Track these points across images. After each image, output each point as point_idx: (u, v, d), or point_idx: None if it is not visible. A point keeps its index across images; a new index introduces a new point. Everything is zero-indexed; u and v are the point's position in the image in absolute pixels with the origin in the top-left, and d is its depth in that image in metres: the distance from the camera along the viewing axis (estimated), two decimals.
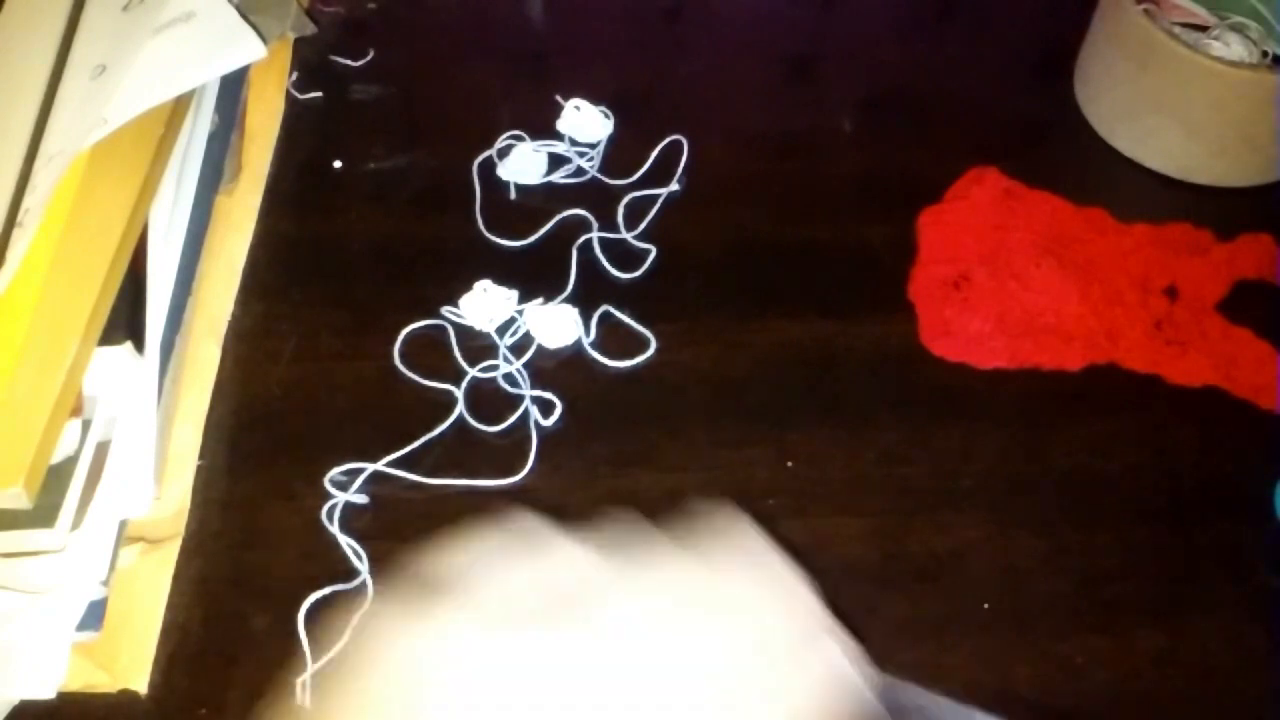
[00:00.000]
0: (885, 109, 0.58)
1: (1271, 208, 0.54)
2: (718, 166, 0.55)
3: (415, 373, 0.47)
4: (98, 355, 0.42)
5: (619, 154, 0.55)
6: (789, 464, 0.45)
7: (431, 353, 0.48)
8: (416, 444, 0.45)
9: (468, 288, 0.49)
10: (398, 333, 0.48)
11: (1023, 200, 0.53)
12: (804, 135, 0.57)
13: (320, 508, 0.43)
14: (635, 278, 0.51)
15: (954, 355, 0.49)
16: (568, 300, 0.50)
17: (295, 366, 0.48)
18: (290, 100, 0.57)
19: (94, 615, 0.40)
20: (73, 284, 0.42)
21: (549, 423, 0.46)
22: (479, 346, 0.48)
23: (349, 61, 0.59)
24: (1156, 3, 0.55)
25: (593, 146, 0.55)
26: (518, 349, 0.48)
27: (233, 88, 0.54)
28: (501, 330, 0.49)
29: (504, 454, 0.45)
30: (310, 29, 0.60)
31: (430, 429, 0.45)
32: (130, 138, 0.46)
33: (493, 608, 0.24)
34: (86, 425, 0.41)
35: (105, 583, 0.40)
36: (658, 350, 0.48)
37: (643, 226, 0.52)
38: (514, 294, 0.49)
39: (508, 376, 0.47)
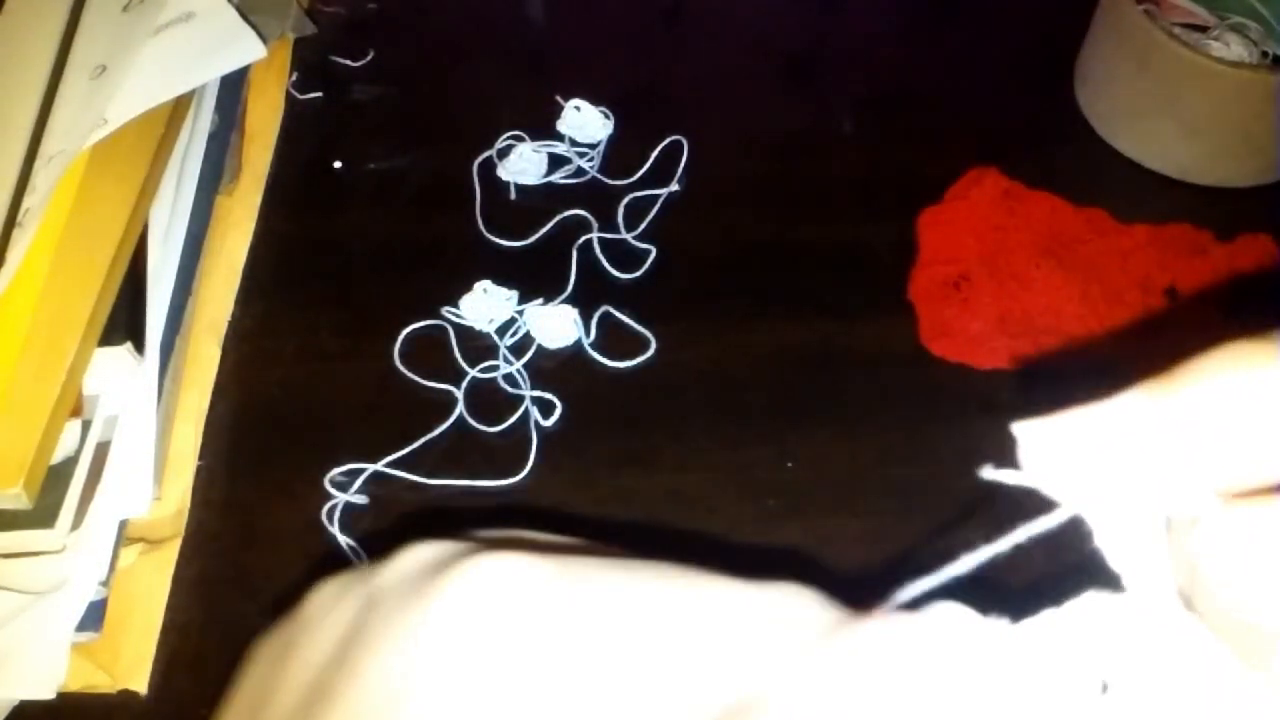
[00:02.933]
0: (885, 109, 0.58)
1: (1271, 208, 0.54)
2: (718, 166, 0.55)
3: (415, 373, 0.47)
4: (98, 355, 0.42)
5: (619, 154, 0.55)
6: (789, 464, 0.45)
7: (431, 353, 0.48)
8: (416, 444, 0.45)
9: (468, 288, 0.49)
10: (398, 333, 0.48)
11: (1023, 200, 0.53)
12: (804, 135, 0.57)
13: (320, 508, 0.43)
14: (635, 278, 0.51)
15: (954, 355, 0.48)
16: (568, 300, 0.50)
17: (295, 366, 0.48)
18: (290, 100, 0.57)
19: (94, 616, 0.40)
20: (73, 284, 0.42)
21: (549, 423, 0.46)
22: (479, 347, 0.48)
23: (349, 61, 0.59)
24: (1156, 3, 0.55)
25: (593, 147, 0.55)
26: (518, 349, 0.48)
27: (233, 88, 0.54)
28: (501, 330, 0.49)
29: (504, 454, 0.45)
30: (310, 29, 0.60)
31: (430, 429, 0.45)
32: (130, 138, 0.46)
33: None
34: (86, 425, 0.41)
35: (105, 583, 0.40)
36: (658, 350, 0.48)
37: (643, 226, 0.52)
38: (514, 294, 0.49)
39: (508, 377, 0.47)
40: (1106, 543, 0.15)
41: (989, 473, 0.17)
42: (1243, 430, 0.14)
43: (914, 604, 0.17)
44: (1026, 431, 0.16)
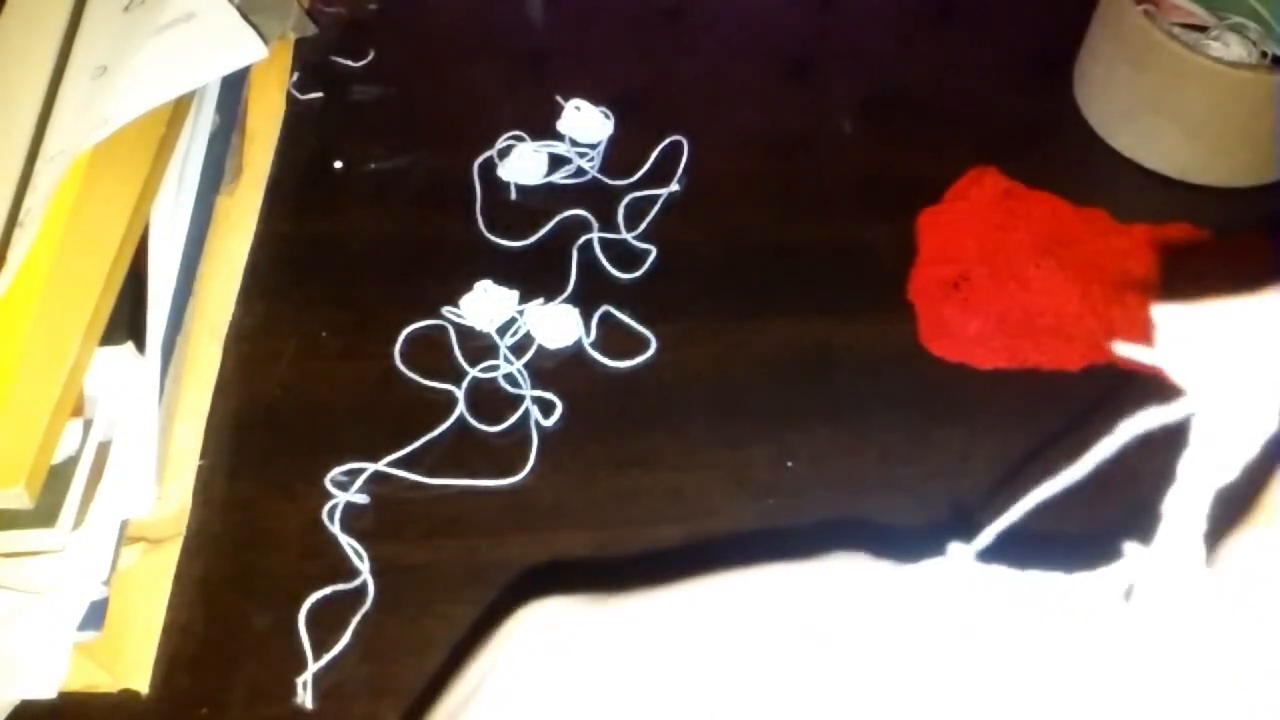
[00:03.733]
0: (885, 109, 0.58)
1: (1271, 208, 0.55)
2: (718, 166, 0.55)
3: (415, 373, 0.47)
4: (99, 355, 0.42)
5: (619, 154, 0.55)
6: (789, 464, 0.45)
7: (432, 353, 0.48)
8: (417, 444, 0.45)
9: (468, 288, 0.49)
10: (398, 333, 0.48)
11: (1023, 200, 0.53)
12: (804, 135, 0.57)
13: (320, 508, 0.43)
14: (635, 278, 0.51)
15: (954, 355, 0.49)
16: (568, 300, 0.50)
17: (295, 366, 0.48)
18: (291, 100, 0.57)
19: (95, 615, 0.40)
20: (74, 284, 0.42)
21: (549, 423, 0.46)
22: (479, 346, 0.48)
23: (349, 62, 0.59)
24: (1156, 3, 0.55)
25: (593, 146, 0.55)
26: (518, 349, 0.48)
27: (233, 88, 0.54)
28: (502, 330, 0.49)
29: (504, 454, 0.45)
30: (311, 29, 0.60)
31: (430, 429, 0.45)
32: (131, 138, 0.46)
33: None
34: (87, 425, 0.41)
35: (106, 583, 0.40)
36: (658, 350, 0.48)
37: (643, 226, 0.52)
38: (514, 294, 0.49)
39: (508, 376, 0.47)
40: (1204, 435, 0.15)
41: (1121, 347, 0.17)
42: None
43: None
44: (1165, 314, 0.16)
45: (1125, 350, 0.16)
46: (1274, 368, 0.15)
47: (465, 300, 0.49)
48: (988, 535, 0.17)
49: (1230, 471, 0.15)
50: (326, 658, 0.40)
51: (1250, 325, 0.15)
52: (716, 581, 0.19)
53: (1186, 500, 0.16)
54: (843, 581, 0.18)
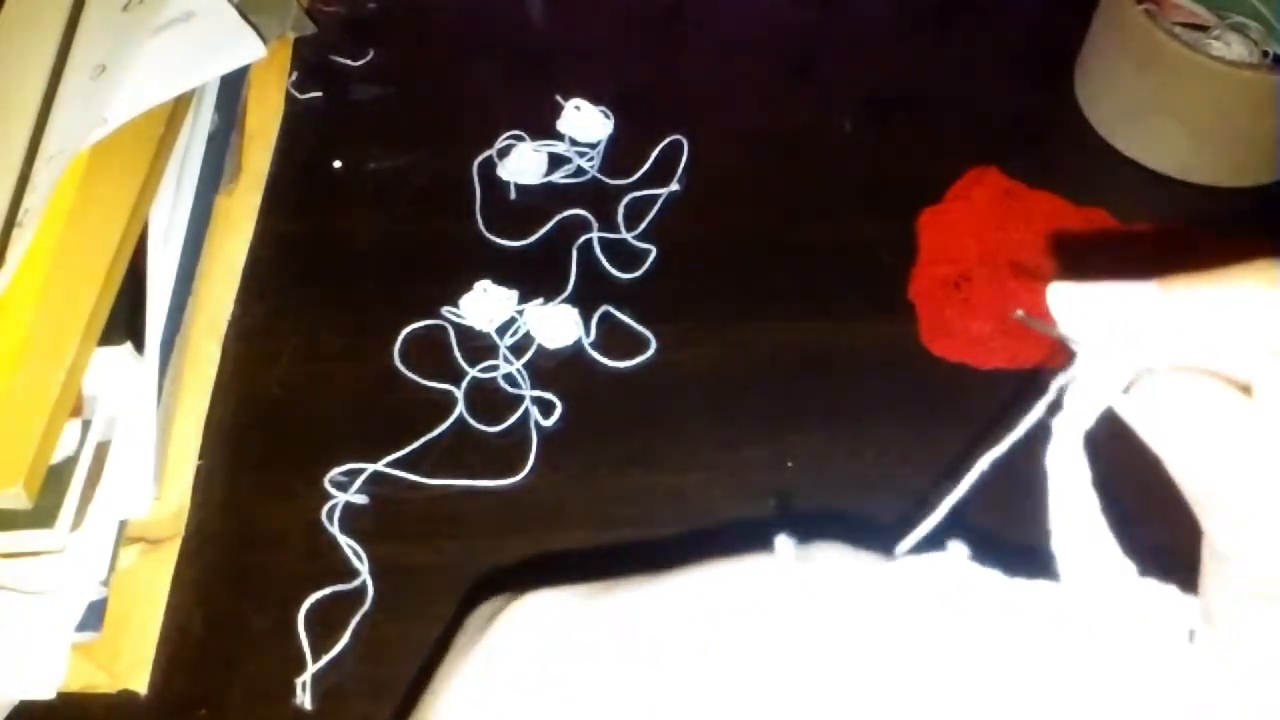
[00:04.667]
0: (885, 109, 0.58)
1: (1271, 208, 0.54)
2: (718, 166, 0.55)
3: (415, 373, 0.47)
4: (98, 355, 0.42)
5: (619, 154, 0.55)
6: (789, 464, 0.45)
7: (431, 353, 0.48)
8: (416, 444, 0.45)
9: (468, 288, 0.49)
10: (398, 333, 0.48)
11: (1023, 200, 0.53)
12: (804, 135, 0.57)
13: (320, 508, 0.43)
14: (635, 278, 0.51)
15: (954, 355, 0.48)
16: (568, 300, 0.50)
17: (295, 366, 0.48)
18: (290, 100, 0.57)
19: (94, 616, 0.40)
20: (73, 284, 0.42)
21: (549, 423, 0.46)
22: (479, 346, 0.48)
23: (349, 61, 0.59)
24: (1157, 3, 0.55)
25: (593, 146, 0.55)
26: (518, 349, 0.48)
27: (233, 87, 0.54)
28: (501, 330, 0.49)
29: (504, 454, 0.45)
30: (310, 29, 0.60)
31: (430, 429, 0.45)
32: (130, 137, 0.46)
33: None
34: (86, 425, 0.41)
35: (105, 583, 0.40)
36: (658, 350, 0.48)
37: (643, 226, 0.52)
38: (514, 294, 0.49)
39: (508, 377, 0.47)
40: (1074, 392, 0.19)
41: (1021, 316, 0.20)
42: (1209, 336, 0.18)
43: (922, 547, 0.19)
44: (1057, 290, 0.19)
45: (1024, 320, 0.20)
46: (1133, 338, 0.18)
47: (465, 300, 0.49)
48: (926, 527, 0.20)
49: (1089, 419, 0.19)
50: (325, 658, 0.40)
51: (1125, 302, 0.19)
52: (702, 571, 0.19)
53: (1062, 451, 0.19)
54: (832, 574, 0.18)
